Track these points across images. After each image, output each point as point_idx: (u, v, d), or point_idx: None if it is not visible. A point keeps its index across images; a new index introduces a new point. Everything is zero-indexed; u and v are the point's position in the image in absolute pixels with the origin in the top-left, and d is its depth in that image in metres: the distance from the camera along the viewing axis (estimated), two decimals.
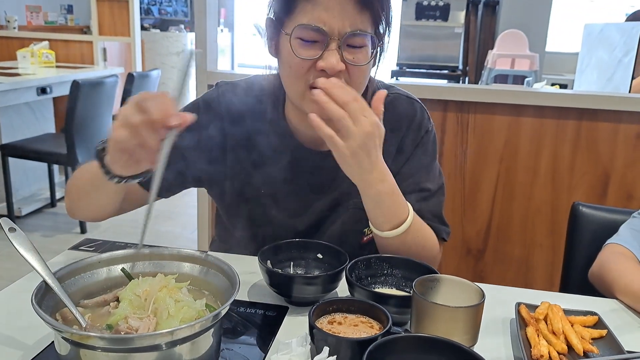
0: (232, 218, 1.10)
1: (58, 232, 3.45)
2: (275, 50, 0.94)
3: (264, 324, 0.80)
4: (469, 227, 1.83)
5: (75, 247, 1.02)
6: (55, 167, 3.83)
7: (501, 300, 0.86)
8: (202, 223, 2.09)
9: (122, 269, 0.76)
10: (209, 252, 0.78)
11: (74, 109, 3.13)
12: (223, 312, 0.65)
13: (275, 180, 1.03)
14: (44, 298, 0.66)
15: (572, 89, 5.18)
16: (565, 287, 1.28)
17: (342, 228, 1.03)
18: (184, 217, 3.73)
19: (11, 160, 3.39)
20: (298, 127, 1.01)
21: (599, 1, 6.55)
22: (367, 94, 1.01)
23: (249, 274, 0.92)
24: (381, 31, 0.91)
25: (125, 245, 1.04)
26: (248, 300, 0.86)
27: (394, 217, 0.89)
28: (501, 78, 5.23)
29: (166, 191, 1.07)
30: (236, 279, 0.70)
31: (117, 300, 0.71)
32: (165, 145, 0.73)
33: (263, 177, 1.04)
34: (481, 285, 0.73)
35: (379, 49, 0.92)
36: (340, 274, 0.82)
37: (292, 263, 0.91)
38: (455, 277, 0.72)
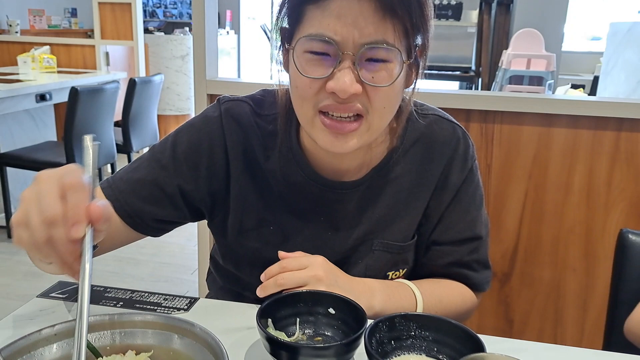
0: (234, 257, 0.94)
1: None
2: (285, 64, 0.78)
3: None
4: (494, 248, 1.66)
5: (45, 295, 0.87)
6: None
7: None
8: (203, 236, 1.94)
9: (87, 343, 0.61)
10: (196, 321, 0.63)
11: (73, 116, 3.00)
12: None
13: (287, 215, 0.87)
14: None
15: (589, 89, 4.99)
16: (611, 328, 1.12)
17: (365, 273, 0.87)
18: (189, 226, 3.58)
19: (10, 170, 3.27)
20: (315, 152, 0.85)
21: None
22: (400, 120, 0.85)
23: (247, 329, 0.77)
24: (417, 41, 0.73)
25: (104, 291, 0.90)
26: None
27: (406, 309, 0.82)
28: (516, 79, 5.04)
29: (160, 231, 0.92)
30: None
31: None
32: (86, 246, 0.58)
33: (272, 211, 0.88)
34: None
35: (414, 64, 0.75)
36: (358, 341, 0.66)
37: (298, 319, 0.75)
38: (505, 357, 0.57)
